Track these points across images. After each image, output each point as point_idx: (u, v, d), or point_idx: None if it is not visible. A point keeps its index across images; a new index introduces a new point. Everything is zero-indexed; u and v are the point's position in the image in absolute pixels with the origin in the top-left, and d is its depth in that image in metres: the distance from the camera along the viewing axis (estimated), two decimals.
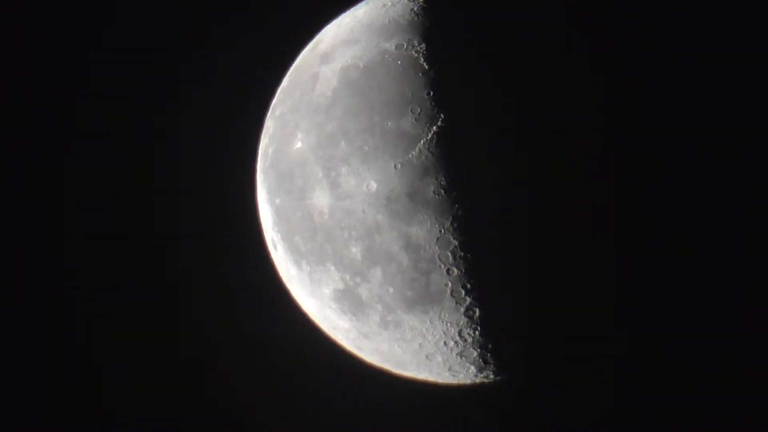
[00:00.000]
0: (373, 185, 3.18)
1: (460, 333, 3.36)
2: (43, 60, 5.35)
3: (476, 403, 4.69)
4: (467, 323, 3.32)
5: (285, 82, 3.84)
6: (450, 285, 3.22)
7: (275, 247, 3.75)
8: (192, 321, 5.41)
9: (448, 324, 3.33)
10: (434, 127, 3.13)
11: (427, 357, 3.52)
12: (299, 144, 3.42)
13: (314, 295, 3.61)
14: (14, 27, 5.30)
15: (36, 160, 5.35)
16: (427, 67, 3.23)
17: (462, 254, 3.16)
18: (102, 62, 5.45)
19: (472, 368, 3.56)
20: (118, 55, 5.46)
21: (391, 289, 3.28)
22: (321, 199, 3.31)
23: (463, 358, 3.48)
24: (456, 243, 3.15)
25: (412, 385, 4.01)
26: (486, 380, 3.72)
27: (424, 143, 3.12)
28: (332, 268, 3.39)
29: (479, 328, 3.33)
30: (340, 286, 3.41)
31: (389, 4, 3.58)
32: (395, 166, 3.15)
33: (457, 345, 3.41)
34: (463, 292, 3.23)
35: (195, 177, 5.39)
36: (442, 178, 3.11)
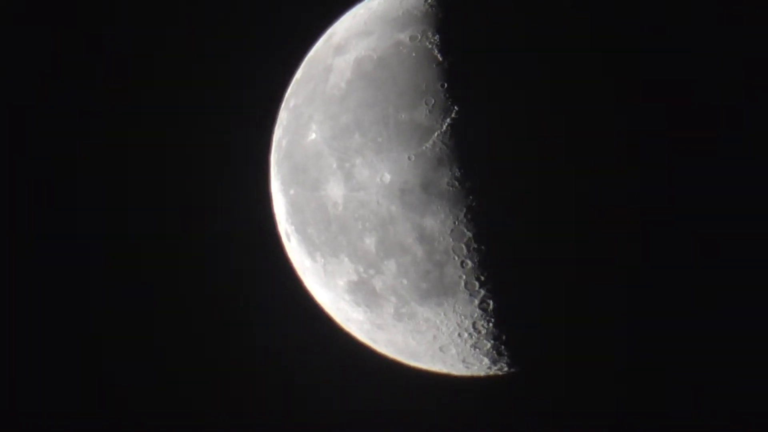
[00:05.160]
0: (387, 177, 3.18)
1: (474, 325, 3.35)
2: (73, 53, 5.40)
3: (490, 395, 4.70)
4: (481, 315, 3.31)
5: (299, 73, 3.84)
6: (464, 277, 3.21)
7: (289, 239, 3.76)
8: (205, 314, 5.45)
9: (462, 316, 3.33)
10: (448, 119, 3.12)
11: (441, 349, 3.52)
12: (313, 135, 3.42)
13: (328, 286, 3.62)
14: (20, 27, 5.34)
15: (52, 152, 5.40)
16: (441, 58, 3.22)
17: (476, 246, 3.15)
18: (116, 56, 5.48)
19: (486, 360, 3.56)
20: (130, 49, 5.49)
21: (405, 281, 3.28)
22: (335, 191, 3.31)
23: (477, 350, 3.48)
24: (470, 235, 3.14)
25: (426, 377, 4.02)
26: (500, 372, 3.72)
27: (438, 135, 3.11)
28: (346, 259, 3.39)
29: (493, 320, 3.33)
30: (354, 277, 3.42)
31: None
32: (409, 157, 3.14)
33: (471, 337, 3.41)
34: (477, 284, 3.22)
35: (209, 169, 5.41)
36: (456, 170, 3.10)
